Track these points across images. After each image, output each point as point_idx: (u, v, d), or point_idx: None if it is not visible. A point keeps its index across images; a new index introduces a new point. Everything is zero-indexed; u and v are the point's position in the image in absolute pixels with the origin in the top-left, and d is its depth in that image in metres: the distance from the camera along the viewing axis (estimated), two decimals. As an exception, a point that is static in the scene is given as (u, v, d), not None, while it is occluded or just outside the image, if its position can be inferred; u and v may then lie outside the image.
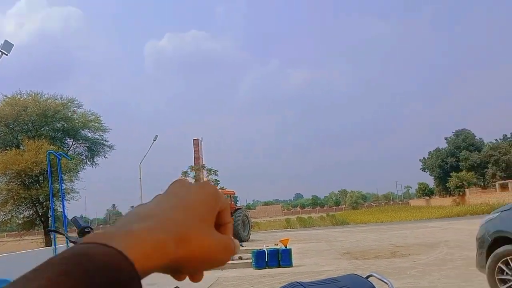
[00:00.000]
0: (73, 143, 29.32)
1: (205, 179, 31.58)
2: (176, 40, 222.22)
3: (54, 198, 19.64)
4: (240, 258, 12.07)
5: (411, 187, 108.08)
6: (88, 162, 29.93)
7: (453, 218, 29.42)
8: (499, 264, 5.19)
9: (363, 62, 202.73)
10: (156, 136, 24.29)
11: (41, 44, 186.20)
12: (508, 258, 5.11)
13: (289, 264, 11.18)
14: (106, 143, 30.15)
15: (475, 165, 56.58)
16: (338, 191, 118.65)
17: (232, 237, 0.44)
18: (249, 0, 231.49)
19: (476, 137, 62.65)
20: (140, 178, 22.70)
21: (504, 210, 5.52)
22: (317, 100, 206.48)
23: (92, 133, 29.52)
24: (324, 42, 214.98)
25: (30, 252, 12.87)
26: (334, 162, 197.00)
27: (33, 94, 26.77)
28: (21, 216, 23.74)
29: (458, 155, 59.62)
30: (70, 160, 21.16)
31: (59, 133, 28.32)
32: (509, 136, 61.87)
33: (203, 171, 31.99)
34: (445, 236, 15.94)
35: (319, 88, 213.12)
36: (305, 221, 39.73)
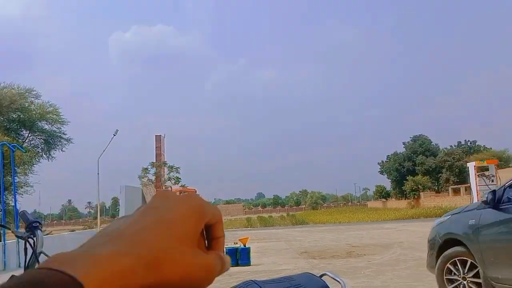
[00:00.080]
0: (29, 135, 28.20)
1: (166, 176, 31.16)
2: (142, 33, 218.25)
3: (6, 192, 18.81)
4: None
5: (369, 189, 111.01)
6: (44, 155, 28.90)
7: (408, 220, 30.39)
8: (448, 265, 5.40)
9: (330, 66, 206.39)
10: (117, 130, 23.68)
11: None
12: (456, 259, 5.32)
13: (248, 263, 11.19)
14: (64, 136, 29.19)
15: (430, 169, 58.76)
16: (299, 191, 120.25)
17: (221, 254, 0.41)
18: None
19: (432, 143, 65.10)
20: (98, 173, 22.04)
21: (454, 214, 5.76)
22: (282, 101, 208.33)
23: (50, 125, 28.52)
24: (292, 44, 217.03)
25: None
26: (296, 163, 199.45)
27: (-14, 82, 25.58)
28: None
29: (414, 159, 61.71)
30: (24, 153, 20.32)
31: (14, 124, 27.15)
32: (463, 143, 64.66)
33: (165, 168, 31.56)
34: (399, 237, 16.45)
35: (285, 89, 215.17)
36: (265, 220, 39.96)
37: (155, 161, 32.24)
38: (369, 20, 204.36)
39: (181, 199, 0.39)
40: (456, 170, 54.71)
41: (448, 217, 5.82)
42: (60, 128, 28.88)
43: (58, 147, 29.27)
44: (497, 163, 24.45)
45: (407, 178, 57.18)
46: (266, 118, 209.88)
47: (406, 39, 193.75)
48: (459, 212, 5.61)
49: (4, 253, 12.34)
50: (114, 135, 23.62)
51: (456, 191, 46.95)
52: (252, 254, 11.56)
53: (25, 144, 26.14)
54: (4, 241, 12.43)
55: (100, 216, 24.94)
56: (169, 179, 30.69)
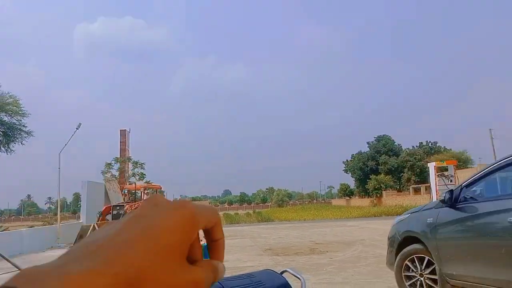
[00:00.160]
0: (-14, 127, 26.98)
1: (130, 172, 30.57)
2: (110, 26, 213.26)
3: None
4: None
5: (334, 187, 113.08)
6: (3, 148, 27.66)
7: (370, 218, 31.06)
8: (406, 261, 5.55)
9: (299, 66, 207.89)
10: (80, 124, 22.92)
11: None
12: (414, 256, 5.47)
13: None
14: (24, 129, 28.05)
15: (393, 169, 60.31)
16: (266, 189, 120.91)
17: (214, 263, 0.39)
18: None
19: (395, 143, 66.80)
20: (59, 168, 21.34)
21: (414, 212, 5.91)
22: (251, 100, 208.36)
23: (9, 117, 27.28)
24: (262, 43, 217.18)
25: None
26: (264, 160, 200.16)
27: None
28: None
29: (378, 159, 63.17)
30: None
31: (-30, 115, 25.93)
32: (424, 144, 66.71)
33: (129, 163, 30.95)
34: (361, 234, 16.79)
35: (254, 88, 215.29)
36: (231, 218, 39.90)
37: (119, 156, 31.59)
38: (335, 22, 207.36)
39: (171, 208, 0.35)
40: (417, 170, 56.34)
41: (408, 215, 5.97)
42: (20, 120, 27.72)
43: (17, 140, 28.11)
44: (456, 164, 25.41)
45: (370, 177, 58.40)
46: (234, 117, 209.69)
47: (370, 39, 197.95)
48: (418, 211, 5.76)
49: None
50: (77, 128, 22.86)
51: (417, 190, 48.31)
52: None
53: (-18, 136, 25.03)
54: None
55: (61, 212, 24.17)
56: (133, 175, 30.12)
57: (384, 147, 64.47)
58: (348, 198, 71.34)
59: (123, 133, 33.78)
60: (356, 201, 64.83)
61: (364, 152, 67.29)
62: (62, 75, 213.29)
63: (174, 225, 0.34)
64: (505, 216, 4.13)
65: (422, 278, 5.35)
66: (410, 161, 57.98)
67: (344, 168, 70.93)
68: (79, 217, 25.64)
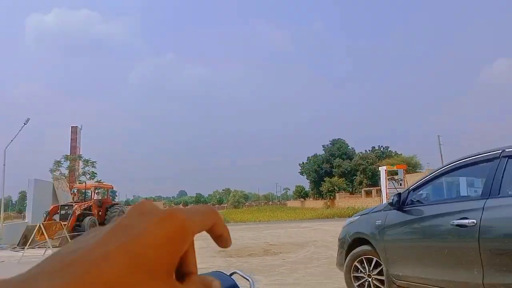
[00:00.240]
0: None
1: (80, 170, 29.53)
2: (64, 17, 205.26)
3: None
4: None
5: (289, 189, 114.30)
6: None
7: (323, 220, 31.66)
8: (355, 262, 5.68)
9: (258, 66, 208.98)
10: (28, 119, 21.90)
11: None
12: (363, 257, 5.61)
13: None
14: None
15: (346, 172, 61.85)
16: (222, 190, 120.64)
17: (207, 279, 0.34)
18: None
19: (349, 147, 68.57)
20: (4, 165, 20.29)
21: (364, 214, 6.07)
22: (208, 99, 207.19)
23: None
24: (221, 42, 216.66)
25: None
26: (220, 161, 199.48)
27: None
28: None
29: (332, 162, 64.56)
30: None
31: None
32: (377, 148, 68.90)
33: (80, 161, 29.89)
34: (314, 236, 17.07)
35: (212, 88, 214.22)
36: (185, 218, 39.44)
37: (69, 154, 30.45)
38: (296, 23, 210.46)
39: (159, 217, 0.30)
40: (369, 173, 58.09)
41: (358, 217, 6.12)
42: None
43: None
44: (406, 168, 26.47)
45: (324, 179, 59.58)
46: (190, 116, 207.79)
47: (333, 41, 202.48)
48: (368, 213, 5.91)
49: None
50: (24, 123, 21.83)
51: (369, 193, 49.73)
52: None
53: None
54: None
55: (5, 211, 22.94)
56: (84, 173, 29.09)
57: (338, 151, 65.99)
58: (303, 200, 72.42)
59: (74, 130, 32.64)
60: (310, 203, 65.88)
61: (319, 155, 68.54)
62: (10, 68, 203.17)
63: (160, 237, 0.29)
64: (448, 219, 4.30)
65: (370, 279, 5.49)
66: (363, 164, 59.71)
67: (299, 170, 71.98)
68: (24, 217, 24.44)
